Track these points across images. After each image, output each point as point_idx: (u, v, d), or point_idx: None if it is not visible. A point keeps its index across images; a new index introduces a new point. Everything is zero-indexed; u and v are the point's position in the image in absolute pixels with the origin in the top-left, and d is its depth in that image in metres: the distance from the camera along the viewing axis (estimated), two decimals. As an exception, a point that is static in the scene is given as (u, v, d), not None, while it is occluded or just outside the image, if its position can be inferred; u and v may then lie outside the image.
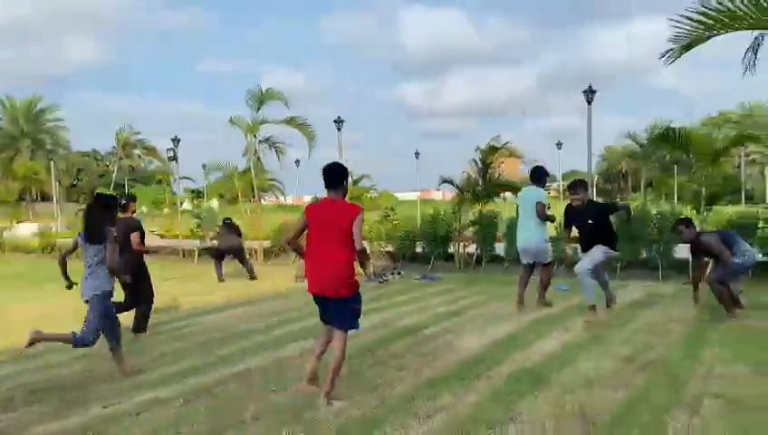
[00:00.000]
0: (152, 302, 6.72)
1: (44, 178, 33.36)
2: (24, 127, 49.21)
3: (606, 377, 4.56)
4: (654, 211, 11.09)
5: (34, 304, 9.17)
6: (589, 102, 11.40)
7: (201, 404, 4.21)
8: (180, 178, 23.47)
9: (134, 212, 6.84)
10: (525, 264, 7.70)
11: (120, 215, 6.14)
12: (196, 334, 6.63)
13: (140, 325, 6.56)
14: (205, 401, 4.27)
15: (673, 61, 6.60)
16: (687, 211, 11.30)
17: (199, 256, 15.28)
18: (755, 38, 6.50)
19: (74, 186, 59.75)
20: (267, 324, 7.03)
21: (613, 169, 67.87)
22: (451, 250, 12.59)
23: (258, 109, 14.86)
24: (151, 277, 6.77)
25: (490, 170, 12.07)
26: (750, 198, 43.91)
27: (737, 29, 6.15)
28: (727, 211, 10.80)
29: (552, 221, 7.69)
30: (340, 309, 4.15)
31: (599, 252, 6.88)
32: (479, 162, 12.34)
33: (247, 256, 12.21)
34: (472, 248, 12.46)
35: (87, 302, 4.85)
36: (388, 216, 13.97)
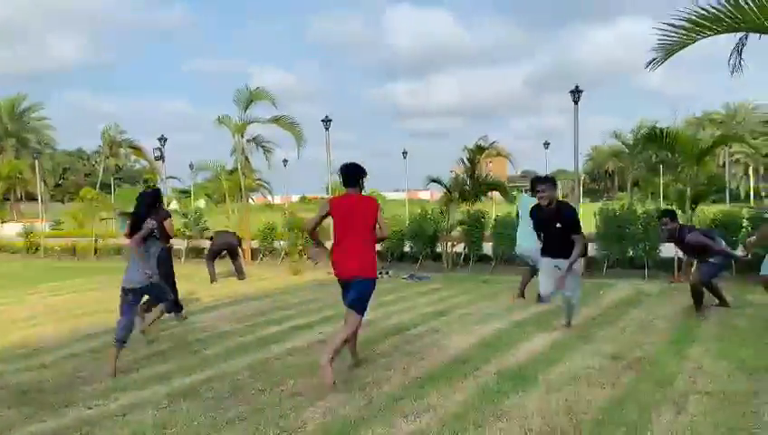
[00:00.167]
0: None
1: (29, 178, 32.96)
2: (7, 125, 48.59)
3: (593, 375, 4.58)
4: (640, 210, 11.20)
5: (21, 305, 9.08)
6: (575, 102, 11.42)
7: (187, 405, 4.18)
8: (167, 178, 23.32)
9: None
10: (530, 266, 7.79)
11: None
12: (182, 335, 6.58)
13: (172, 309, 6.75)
14: (190, 402, 4.24)
15: (657, 66, 6.70)
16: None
17: (186, 256, 15.16)
18: (739, 39, 6.56)
19: (59, 185, 59.15)
20: (254, 324, 7.00)
21: (600, 168, 68.52)
22: (439, 250, 12.62)
23: (246, 108, 14.81)
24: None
25: (477, 170, 12.13)
26: (735, 198, 44.47)
27: (720, 32, 6.21)
28: (711, 210, 10.92)
29: None
30: (363, 288, 4.58)
31: (560, 272, 5.93)
32: (467, 162, 12.38)
33: (240, 256, 12.13)
34: (460, 248, 12.49)
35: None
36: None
